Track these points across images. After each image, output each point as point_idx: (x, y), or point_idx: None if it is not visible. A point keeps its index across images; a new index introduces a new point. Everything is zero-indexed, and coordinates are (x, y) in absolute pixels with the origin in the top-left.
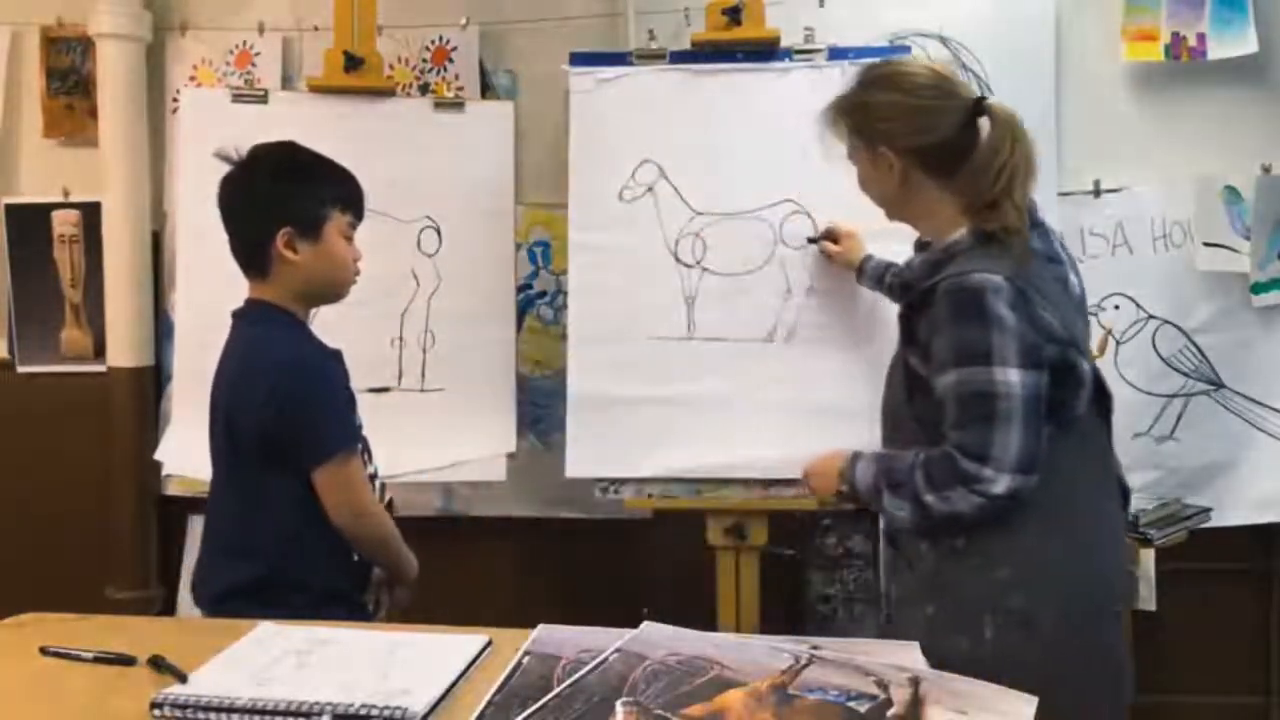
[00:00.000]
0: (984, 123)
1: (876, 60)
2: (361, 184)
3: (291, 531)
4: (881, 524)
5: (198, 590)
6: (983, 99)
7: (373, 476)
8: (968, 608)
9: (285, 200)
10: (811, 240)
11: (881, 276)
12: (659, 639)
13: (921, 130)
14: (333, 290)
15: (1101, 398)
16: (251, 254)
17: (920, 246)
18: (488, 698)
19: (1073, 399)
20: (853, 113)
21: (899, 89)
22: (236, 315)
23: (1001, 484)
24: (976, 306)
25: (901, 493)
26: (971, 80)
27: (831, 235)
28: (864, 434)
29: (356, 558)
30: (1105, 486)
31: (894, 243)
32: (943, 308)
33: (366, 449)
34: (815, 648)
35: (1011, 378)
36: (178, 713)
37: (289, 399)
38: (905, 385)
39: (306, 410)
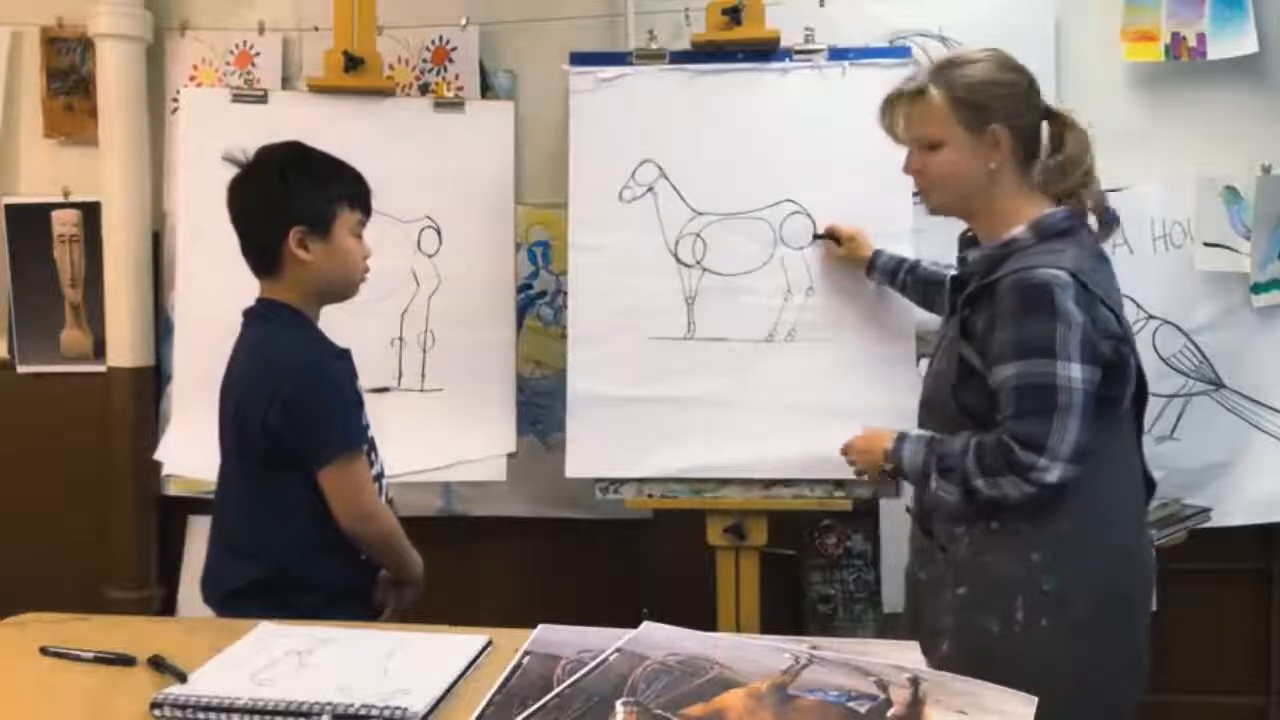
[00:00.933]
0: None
1: (955, 51)
2: None
3: (300, 531)
4: (912, 510)
5: (207, 588)
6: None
7: (378, 475)
8: (1000, 588)
9: (295, 200)
10: (817, 236)
11: (894, 272)
12: (659, 639)
13: (1031, 107)
14: (344, 288)
15: (1140, 392)
16: (263, 255)
17: (965, 244)
18: (488, 698)
19: (1121, 394)
20: (961, 87)
21: (1005, 66)
22: (248, 314)
23: (1054, 473)
24: (1043, 301)
25: (951, 477)
26: None
27: (833, 236)
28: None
29: (364, 556)
30: (1134, 479)
31: (898, 245)
32: (1007, 302)
33: (372, 447)
34: (815, 648)
35: (1074, 372)
36: (178, 713)
37: (296, 399)
38: (954, 377)
39: (313, 411)
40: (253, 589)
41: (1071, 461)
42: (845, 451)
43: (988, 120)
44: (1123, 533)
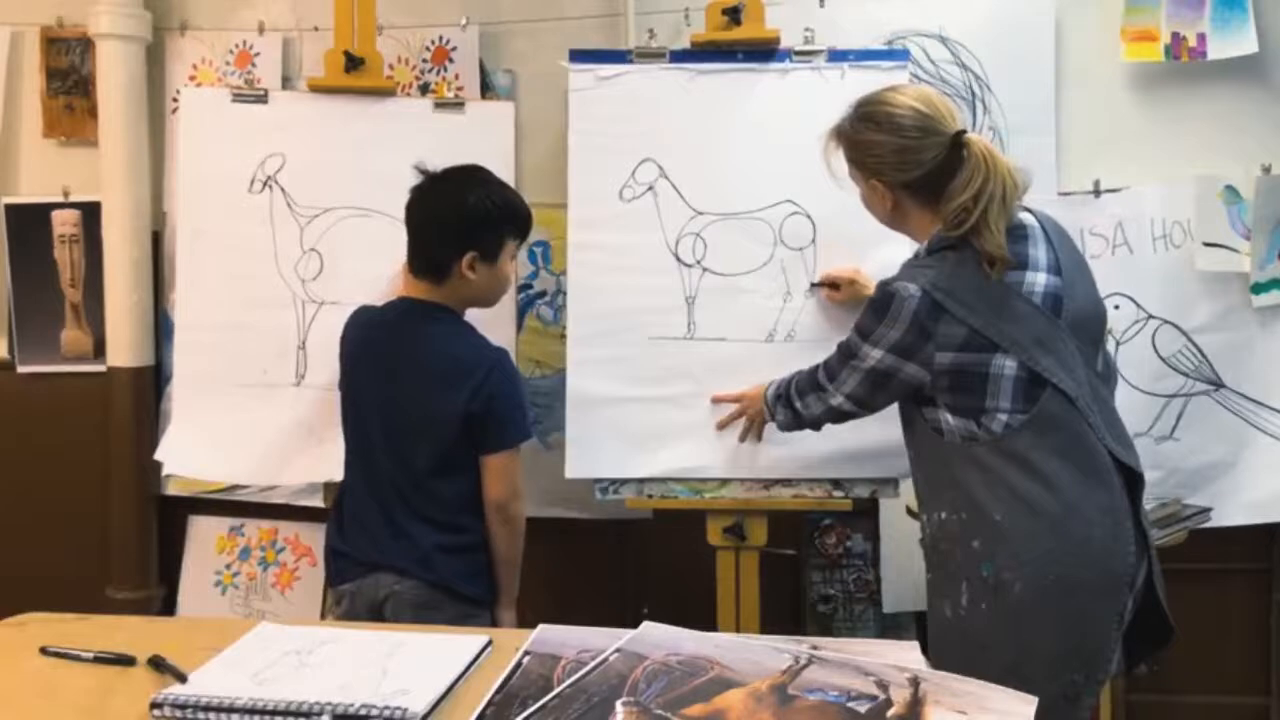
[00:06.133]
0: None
1: (868, 95)
2: (361, 184)
3: (478, 499)
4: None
5: (395, 556)
6: (962, 133)
7: None
8: (952, 574)
9: (474, 231)
10: (813, 285)
11: None
12: (659, 639)
13: (906, 167)
14: (489, 303)
15: (1033, 390)
16: (434, 266)
17: None
18: (488, 698)
19: (984, 400)
20: (846, 146)
21: (885, 129)
22: (405, 311)
23: (836, 400)
24: (883, 304)
25: (782, 402)
26: (971, 80)
27: (832, 283)
28: (863, 433)
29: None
30: (1082, 468)
31: (896, 247)
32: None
33: None
34: (815, 648)
35: (874, 353)
36: (178, 713)
37: (497, 391)
38: None
39: (510, 402)
40: (459, 550)
41: (849, 400)
42: (738, 399)
43: (867, 175)
44: (1058, 520)
